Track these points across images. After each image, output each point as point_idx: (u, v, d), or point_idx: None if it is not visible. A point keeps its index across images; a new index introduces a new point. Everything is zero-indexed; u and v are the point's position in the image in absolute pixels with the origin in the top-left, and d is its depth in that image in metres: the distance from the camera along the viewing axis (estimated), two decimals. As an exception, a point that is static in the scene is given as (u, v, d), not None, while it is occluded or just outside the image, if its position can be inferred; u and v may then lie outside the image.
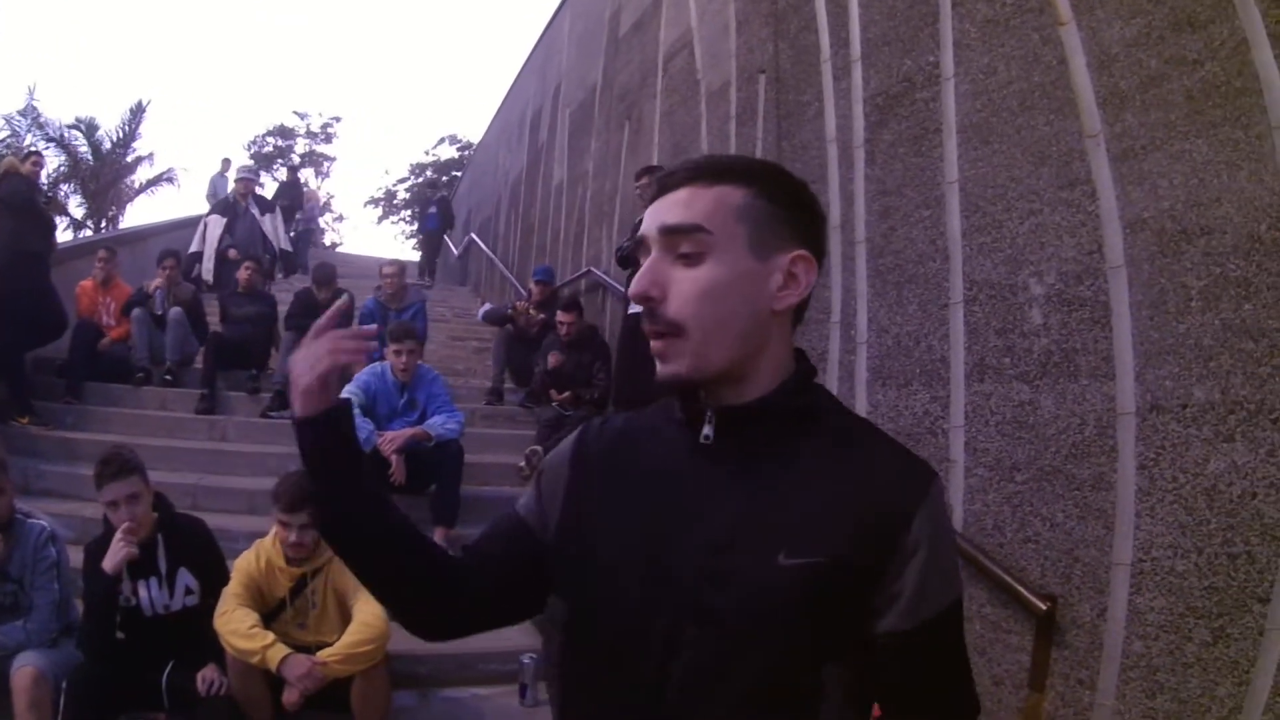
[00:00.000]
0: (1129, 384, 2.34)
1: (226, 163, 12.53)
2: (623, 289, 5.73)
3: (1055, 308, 2.64)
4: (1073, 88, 2.72)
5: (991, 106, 3.08)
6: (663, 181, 0.95)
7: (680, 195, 0.91)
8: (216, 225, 8.60)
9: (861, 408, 3.49)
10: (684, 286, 0.88)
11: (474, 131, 30.49)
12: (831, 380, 3.71)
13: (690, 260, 0.88)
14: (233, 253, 8.21)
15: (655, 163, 6.24)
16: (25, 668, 2.89)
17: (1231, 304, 2.13)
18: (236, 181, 9.20)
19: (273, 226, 9.23)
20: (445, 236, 14.58)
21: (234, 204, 8.85)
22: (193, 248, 8.84)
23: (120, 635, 2.99)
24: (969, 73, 3.22)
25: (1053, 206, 2.73)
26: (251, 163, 22.74)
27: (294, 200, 10.33)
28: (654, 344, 0.91)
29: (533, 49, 11.82)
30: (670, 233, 0.90)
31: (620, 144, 7.44)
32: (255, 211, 8.87)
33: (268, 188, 12.72)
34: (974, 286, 2.99)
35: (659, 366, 0.91)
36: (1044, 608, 2.44)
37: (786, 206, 0.92)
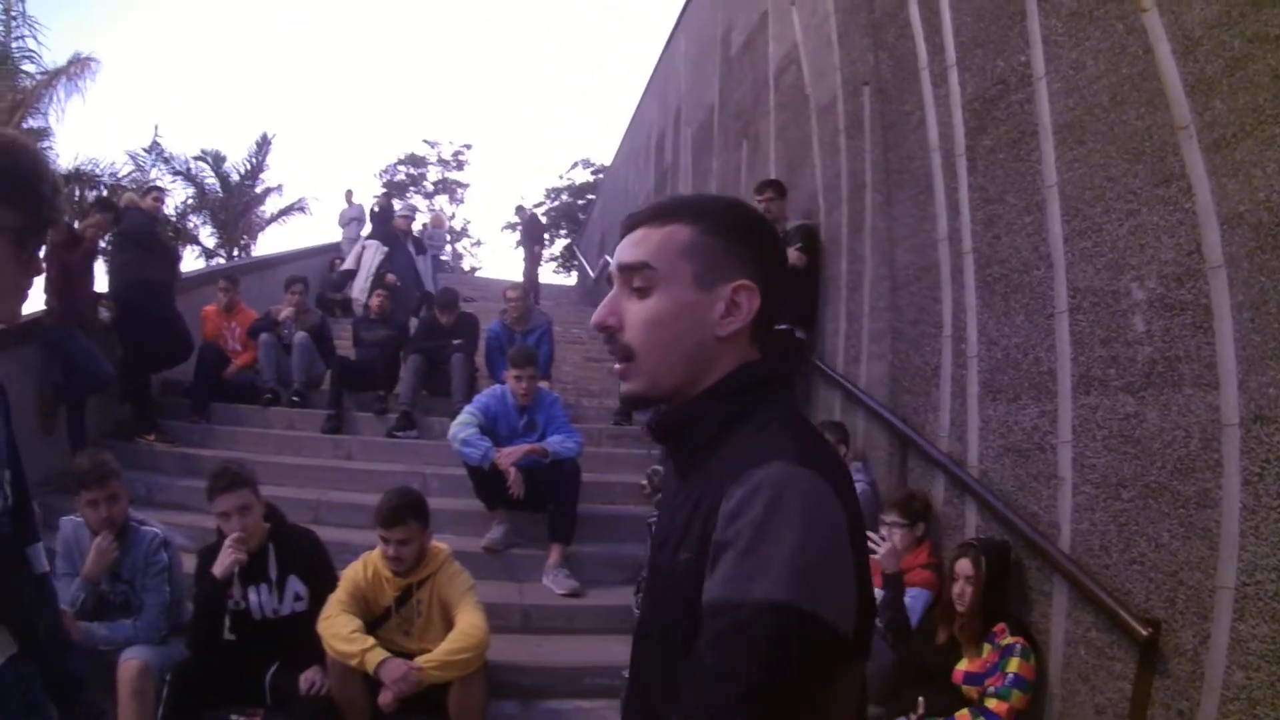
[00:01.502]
0: (1232, 392, 2.27)
1: (350, 194, 14.04)
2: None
3: (1157, 313, 2.58)
4: (1160, 77, 2.67)
5: (1084, 104, 3.04)
6: (625, 223, 1.08)
7: (636, 235, 1.04)
8: (376, 250, 9.19)
9: (974, 424, 3.48)
10: (634, 316, 1.01)
11: (604, 155, 31.27)
12: (945, 396, 3.71)
13: (641, 293, 1.01)
14: (391, 277, 8.72)
15: (772, 177, 6.35)
16: (131, 660, 3.18)
17: (1335, 300, 2.06)
18: (398, 218, 9.95)
19: (425, 267, 9.91)
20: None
21: (395, 235, 9.50)
22: (347, 265, 9.69)
23: (230, 636, 3.25)
24: (1059, 70, 3.19)
25: (1150, 205, 2.68)
26: (415, 201, 24.19)
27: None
28: (616, 366, 1.05)
29: (652, 72, 12.18)
30: (624, 270, 1.03)
31: (740, 162, 7.59)
32: (411, 249, 9.54)
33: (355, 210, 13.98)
34: (1077, 294, 2.95)
35: (620, 385, 1.05)
36: (1146, 634, 2.39)
37: (731, 240, 1.01)
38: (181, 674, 3.22)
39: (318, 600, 3.32)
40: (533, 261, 15.26)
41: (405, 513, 3.26)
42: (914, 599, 3.31)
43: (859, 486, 4.25)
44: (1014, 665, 2.78)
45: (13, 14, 14.12)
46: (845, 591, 0.84)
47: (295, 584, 3.36)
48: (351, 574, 3.35)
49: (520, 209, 17.30)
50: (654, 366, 1.01)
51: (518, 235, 30.87)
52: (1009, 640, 2.86)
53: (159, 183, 16.22)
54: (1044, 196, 3.22)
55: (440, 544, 3.50)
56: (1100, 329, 2.82)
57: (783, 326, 5.30)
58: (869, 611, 0.92)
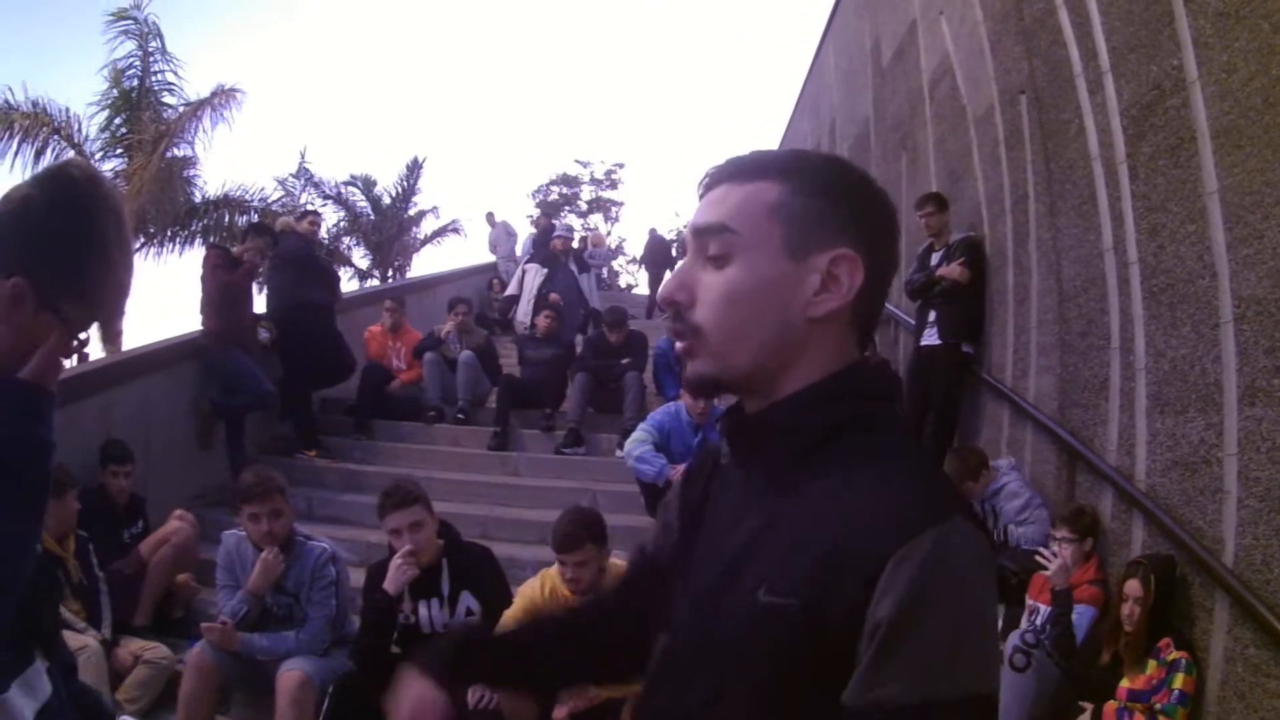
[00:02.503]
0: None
1: (490, 216, 14.80)
2: (913, 322, 5.95)
3: (1323, 321, 2.60)
4: (1314, 80, 2.69)
5: (1238, 108, 3.05)
6: (704, 181, 0.94)
7: (715, 194, 0.90)
8: (536, 273, 9.62)
9: (1141, 437, 3.49)
10: (708, 290, 0.88)
11: None
12: (1114, 409, 3.73)
13: (718, 262, 0.87)
14: (554, 297, 9.01)
15: (933, 190, 6.39)
16: (292, 671, 3.28)
17: None
18: (555, 238, 10.38)
19: (588, 285, 10.28)
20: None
21: (555, 256, 9.92)
22: (510, 291, 10.17)
23: (397, 651, 3.27)
24: (1211, 73, 3.20)
25: (1311, 211, 2.69)
26: (570, 220, 25.13)
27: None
28: (679, 345, 0.92)
29: (802, 87, 12.34)
30: (699, 234, 0.90)
31: (899, 174, 7.65)
32: (574, 268, 9.94)
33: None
34: (1241, 304, 2.96)
35: (686, 366, 0.92)
36: None
37: (831, 201, 0.87)
38: (344, 686, 3.32)
39: (491, 617, 3.32)
40: (654, 284, 15.71)
41: (581, 537, 3.26)
42: (1080, 615, 3.35)
43: (1009, 481, 4.27)
44: (1179, 681, 2.81)
45: (150, 50, 15.33)
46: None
47: (469, 600, 3.40)
48: (529, 591, 3.39)
49: (652, 231, 17.84)
50: (726, 347, 0.87)
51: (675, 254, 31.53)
52: (1174, 655, 2.88)
53: (310, 206, 17.14)
54: (1205, 204, 3.23)
55: (619, 562, 3.45)
56: (1264, 338, 2.82)
57: (946, 342, 5.39)
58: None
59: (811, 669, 0.77)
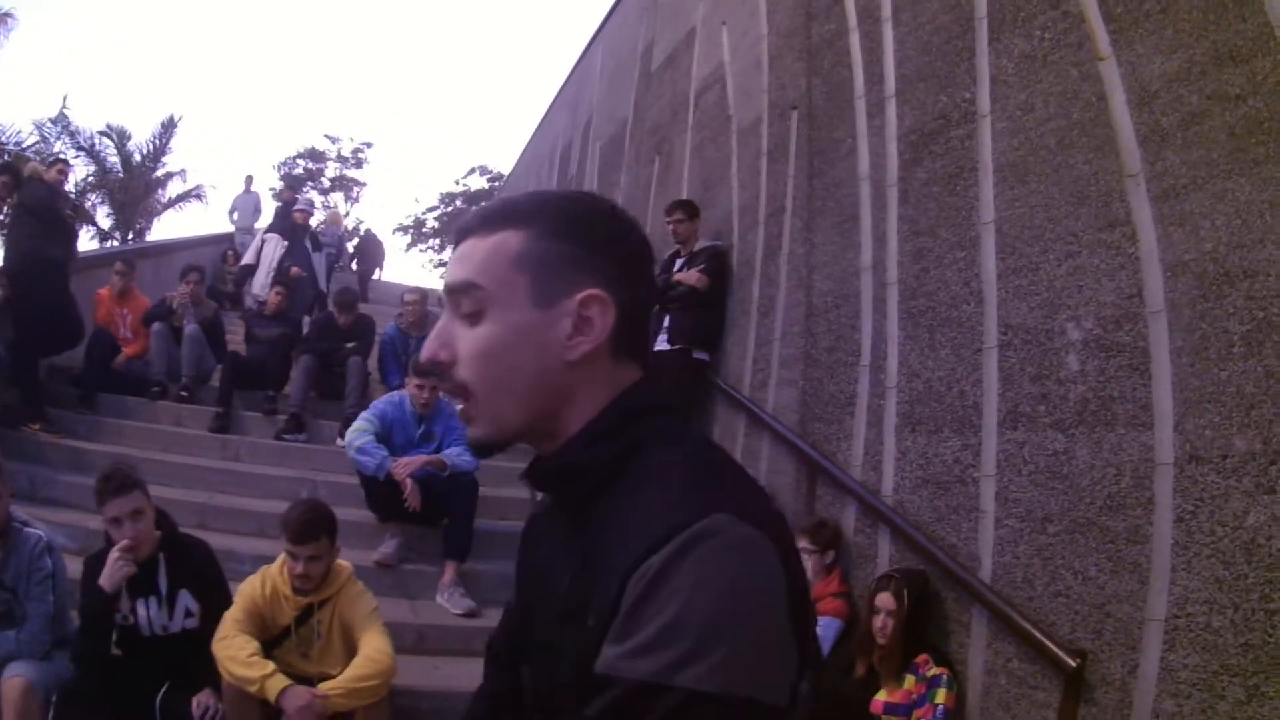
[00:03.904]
0: (1168, 433, 2.36)
1: (249, 180, 13.54)
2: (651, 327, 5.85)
3: (1093, 354, 2.68)
4: (1112, 125, 2.79)
5: (1029, 145, 3.15)
6: (455, 234, 0.94)
7: (464, 249, 0.90)
8: (276, 244, 9.06)
9: (890, 454, 3.53)
10: (465, 347, 0.87)
11: (504, 163, 31.43)
12: (860, 425, 3.75)
13: (472, 319, 0.87)
14: (295, 270, 8.63)
15: (685, 197, 6.37)
16: (15, 678, 2.97)
17: (1275, 350, 2.16)
18: (296, 211, 9.72)
19: (320, 264, 9.71)
20: None
21: (294, 229, 9.35)
22: (247, 260, 9.45)
23: (117, 652, 3.08)
24: (1006, 109, 3.30)
25: (1091, 248, 2.79)
26: (312, 195, 23.88)
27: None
28: (458, 407, 0.91)
29: (564, 82, 12.16)
30: (450, 292, 0.89)
31: (650, 178, 7.61)
32: (308, 245, 9.38)
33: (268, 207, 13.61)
34: (1009, 331, 3.04)
35: (466, 429, 0.91)
36: (1073, 664, 2.46)
37: (574, 242, 0.87)
38: (70, 693, 3.07)
39: (210, 618, 3.20)
40: (361, 281, 15.24)
41: (319, 528, 3.16)
42: (825, 628, 3.31)
43: None
44: (941, 696, 2.82)
45: None
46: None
47: (186, 599, 3.23)
48: (248, 590, 3.23)
49: (368, 231, 17.53)
50: (496, 407, 0.87)
51: (435, 241, 30.69)
52: (934, 671, 2.89)
53: (63, 156, 15.49)
54: (979, 232, 3.31)
55: (343, 562, 3.38)
56: (1031, 366, 2.90)
57: (675, 347, 5.30)
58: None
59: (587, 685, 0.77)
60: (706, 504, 0.76)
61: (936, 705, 2.81)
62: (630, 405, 0.88)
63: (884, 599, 2.96)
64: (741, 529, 0.74)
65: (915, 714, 2.87)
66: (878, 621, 2.97)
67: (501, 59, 63.45)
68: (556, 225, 0.87)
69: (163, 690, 3.11)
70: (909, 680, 2.94)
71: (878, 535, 3.55)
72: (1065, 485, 2.66)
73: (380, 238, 18.42)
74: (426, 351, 0.90)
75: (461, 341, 0.88)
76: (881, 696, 2.98)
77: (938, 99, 3.74)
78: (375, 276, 16.52)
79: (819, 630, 3.22)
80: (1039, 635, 2.59)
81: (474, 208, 0.81)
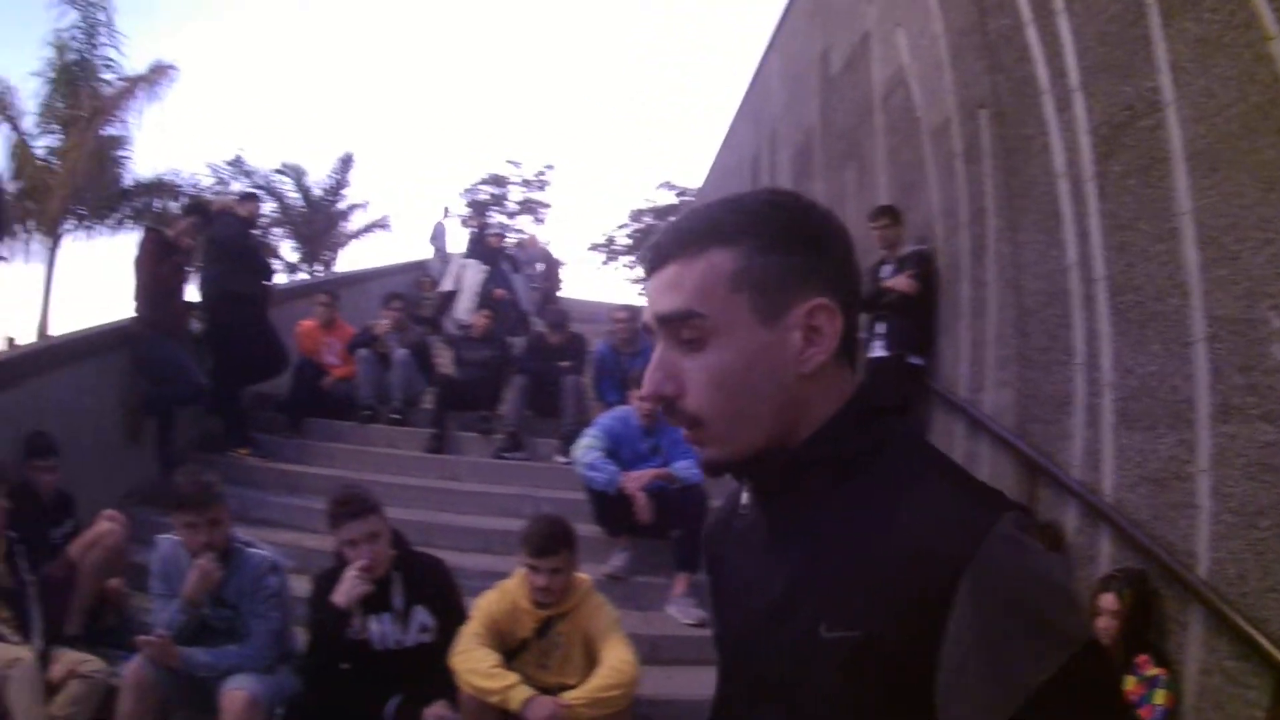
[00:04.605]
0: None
1: (446, 209, 15.11)
2: (864, 334, 6.12)
3: (1297, 341, 2.78)
4: (1293, 108, 2.88)
5: (1215, 132, 3.24)
6: (650, 258, 0.92)
7: (668, 274, 0.89)
8: (477, 269, 9.71)
9: (1108, 452, 3.67)
10: (694, 377, 0.87)
11: (690, 176, 31.63)
12: (1078, 423, 3.91)
13: (693, 346, 0.87)
14: (499, 292, 9.15)
15: (884, 202, 6.56)
16: (238, 691, 3.17)
17: None
18: (490, 235, 10.41)
19: (521, 286, 10.33)
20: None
21: (491, 253, 9.96)
22: (446, 286, 10.13)
23: (345, 666, 3.21)
24: (1188, 97, 3.39)
25: (1287, 235, 2.88)
26: (497, 220, 25.25)
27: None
28: (684, 432, 0.91)
29: (745, 93, 12.54)
30: (666, 322, 0.88)
31: (846, 185, 7.84)
32: (506, 268, 10.02)
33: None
34: (1214, 323, 3.15)
35: (697, 451, 0.92)
36: None
37: (789, 252, 0.87)
38: (294, 707, 3.26)
39: (447, 632, 3.31)
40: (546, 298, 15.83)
41: (559, 541, 3.26)
42: None
43: None
44: (1160, 697, 2.95)
45: (94, 23, 15.18)
46: None
47: (422, 614, 3.36)
48: (486, 604, 3.35)
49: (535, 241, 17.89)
50: (731, 430, 0.87)
51: (627, 258, 31.51)
52: (1153, 672, 3.02)
53: (254, 192, 17.12)
54: (1177, 224, 3.42)
55: (582, 575, 3.50)
56: (1238, 357, 3.01)
57: (891, 354, 5.56)
58: None
59: (882, 699, 0.78)
60: (994, 503, 0.80)
61: (1156, 706, 2.92)
62: (865, 406, 0.89)
63: (1107, 600, 3.11)
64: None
65: (1135, 712, 2.98)
66: (1100, 623, 3.10)
67: (676, 72, 64.50)
68: (767, 236, 0.87)
69: (393, 703, 3.24)
70: (1129, 681, 3.05)
71: (1098, 535, 3.68)
72: (1276, 478, 2.76)
73: (557, 255, 18.69)
74: (650, 386, 0.90)
75: (687, 372, 0.87)
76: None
77: (1121, 89, 3.85)
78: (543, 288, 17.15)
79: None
80: (1252, 632, 2.69)
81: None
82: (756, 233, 0.87)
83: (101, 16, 15.19)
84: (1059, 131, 4.36)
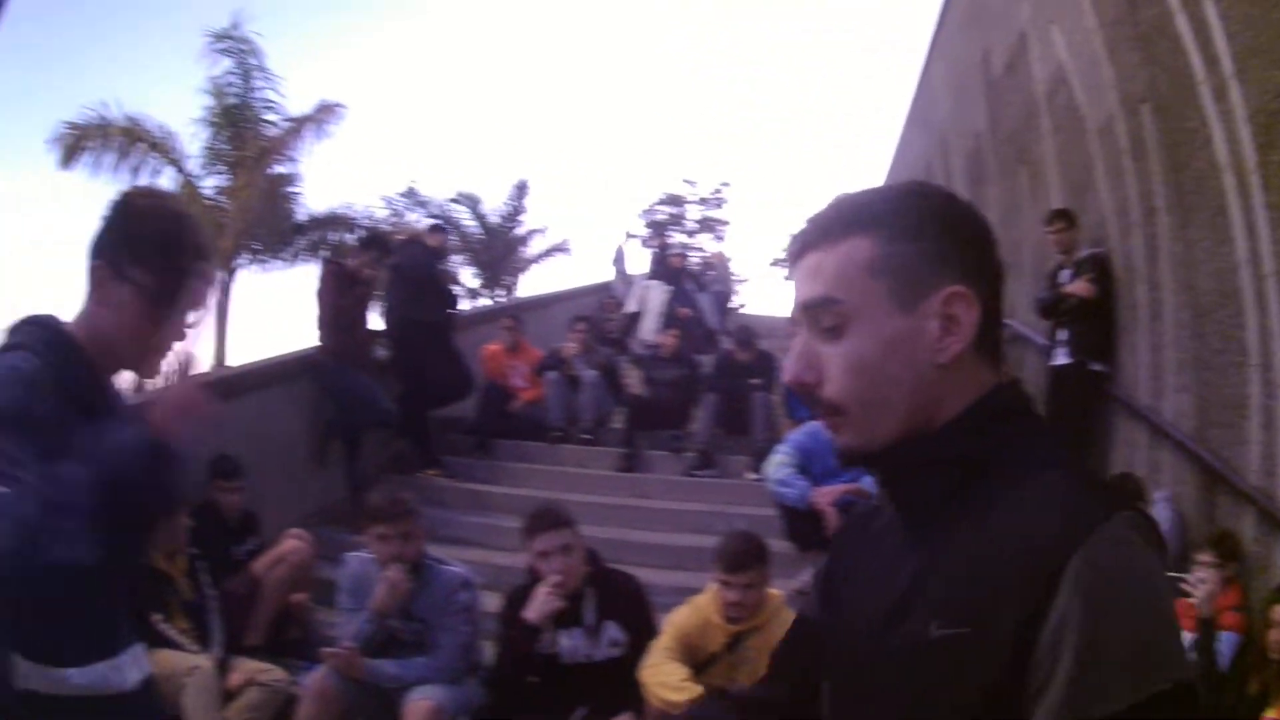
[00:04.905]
0: None
1: (627, 234, 15.59)
2: (1043, 340, 6.00)
3: None
4: None
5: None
6: (793, 248, 0.95)
7: (809, 263, 0.91)
8: (660, 290, 9.86)
9: (1287, 458, 3.53)
10: (833, 364, 0.89)
11: (860, 184, 30.96)
12: (1254, 429, 3.76)
13: (833, 334, 0.89)
14: (684, 311, 9.29)
15: (1056, 205, 6.40)
16: (423, 701, 3.23)
17: None
18: (672, 255, 10.59)
19: (706, 304, 10.40)
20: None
21: (676, 273, 10.12)
22: (630, 307, 10.31)
23: (533, 680, 3.26)
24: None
25: None
26: (678, 239, 25.47)
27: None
28: (822, 420, 0.93)
29: (912, 100, 12.41)
30: (807, 309, 0.91)
31: (1019, 189, 7.68)
32: (690, 285, 10.17)
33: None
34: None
35: (834, 440, 0.94)
36: None
37: (927, 239, 0.88)
38: (480, 719, 3.35)
39: (637, 647, 3.35)
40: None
41: (753, 557, 3.27)
42: (1224, 643, 3.36)
43: (1164, 521, 4.28)
44: None
45: (249, 67, 15.88)
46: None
47: (613, 629, 3.41)
48: (678, 620, 3.41)
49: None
50: (868, 417, 0.89)
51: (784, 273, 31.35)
52: None
53: (440, 224, 17.54)
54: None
55: (775, 590, 3.51)
56: None
57: (1073, 361, 5.44)
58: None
59: (981, 701, 0.77)
60: (1107, 502, 0.79)
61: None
62: (997, 405, 0.89)
63: (1278, 611, 3.02)
64: (1144, 524, 0.79)
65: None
66: (1274, 635, 3.01)
67: (844, 82, 63.56)
68: (905, 224, 0.88)
69: (579, 714, 3.29)
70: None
71: (1273, 545, 3.53)
72: None
73: (738, 272, 18.66)
74: (790, 373, 0.92)
75: (826, 359, 0.89)
76: (1272, 714, 2.98)
77: (1273, 74, 3.72)
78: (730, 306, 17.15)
79: (1218, 645, 3.33)
80: None
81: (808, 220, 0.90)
82: (894, 221, 0.89)
83: (254, 61, 15.93)
84: (1219, 122, 4.22)
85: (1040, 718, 0.74)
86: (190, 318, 1.52)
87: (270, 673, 3.86)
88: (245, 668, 3.86)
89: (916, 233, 0.88)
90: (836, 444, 0.93)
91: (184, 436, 1.46)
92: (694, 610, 3.43)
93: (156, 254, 1.45)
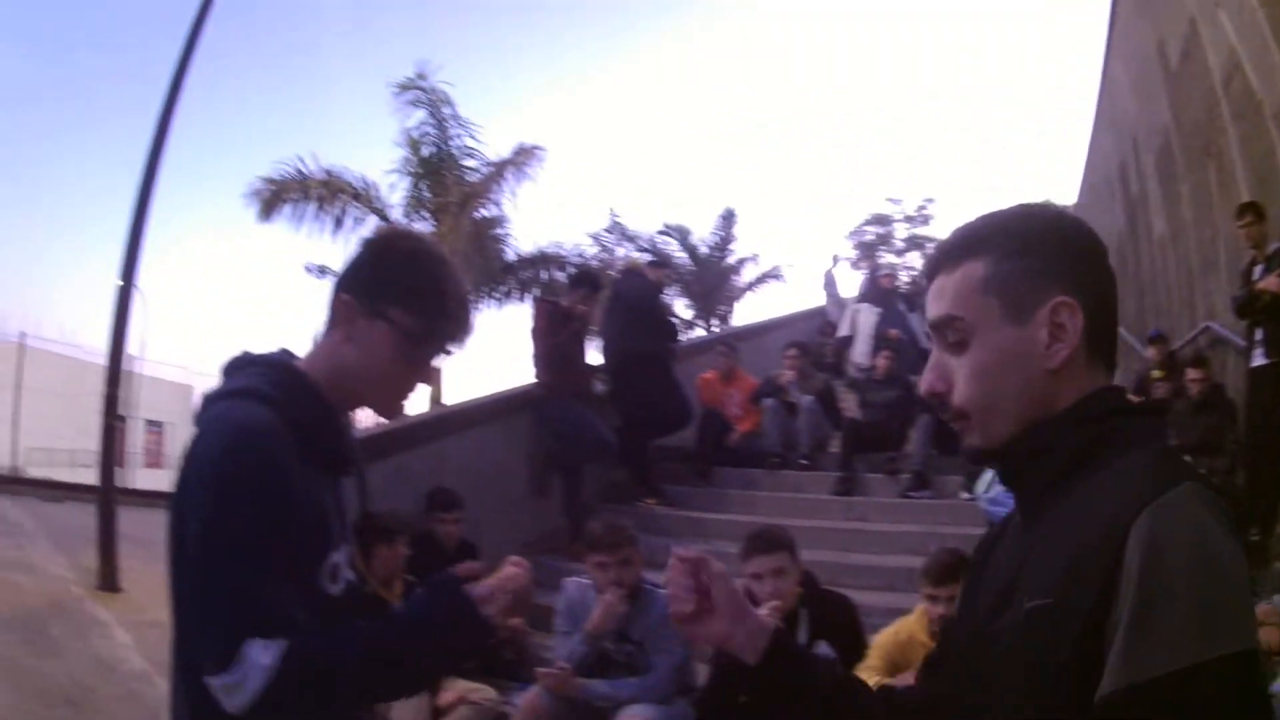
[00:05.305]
0: None
1: (835, 258, 15.25)
2: (1241, 342, 5.72)
3: None
4: None
5: None
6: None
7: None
8: (869, 312, 9.79)
9: None
10: (959, 374, 1.00)
11: (1063, 193, 29.33)
12: None
13: (958, 348, 1.00)
14: (894, 333, 9.24)
15: (1245, 197, 6.06)
16: (634, 717, 3.30)
17: None
18: (881, 276, 10.57)
19: (917, 324, 10.00)
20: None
21: (886, 295, 10.05)
22: (843, 331, 10.33)
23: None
24: None
25: None
26: (887, 260, 24.99)
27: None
28: (953, 425, 1.03)
29: (1097, 101, 11.89)
30: (936, 327, 1.03)
31: (1208, 183, 7.26)
32: (902, 307, 10.05)
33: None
34: None
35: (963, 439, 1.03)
36: None
37: (1029, 255, 0.98)
38: None
39: (846, 666, 3.26)
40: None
41: (959, 570, 3.22)
42: None
43: None
44: None
45: (443, 117, 16.28)
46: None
47: (824, 649, 3.40)
48: (884, 640, 3.49)
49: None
50: (987, 421, 0.99)
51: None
52: None
53: (658, 260, 16.51)
54: None
55: None
56: None
57: (1271, 361, 5.12)
58: None
59: (1076, 667, 0.82)
60: (1175, 474, 0.85)
61: None
62: (1097, 405, 0.96)
63: None
64: (1211, 497, 0.84)
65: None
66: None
67: (1036, 84, 60.49)
68: (1012, 244, 0.98)
69: None
70: None
71: None
72: None
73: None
74: (924, 384, 1.04)
75: (954, 371, 1.00)
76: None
77: None
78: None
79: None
80: None
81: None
82: (1003, 242, 0.99)
83: (447, 111, 16.32)
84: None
85: (1107, 677, 0.79)
86: (439, 362, 1.48)
87: (481, 691, 3.94)
88: (457, 686, 3.92)
89: (1023, 251, 0.98)
90: (964, 445, 1.04)
91: (497, 616, 1.42)
92: (899, 628, 3.52)
93: (419, 296, 1.38)
